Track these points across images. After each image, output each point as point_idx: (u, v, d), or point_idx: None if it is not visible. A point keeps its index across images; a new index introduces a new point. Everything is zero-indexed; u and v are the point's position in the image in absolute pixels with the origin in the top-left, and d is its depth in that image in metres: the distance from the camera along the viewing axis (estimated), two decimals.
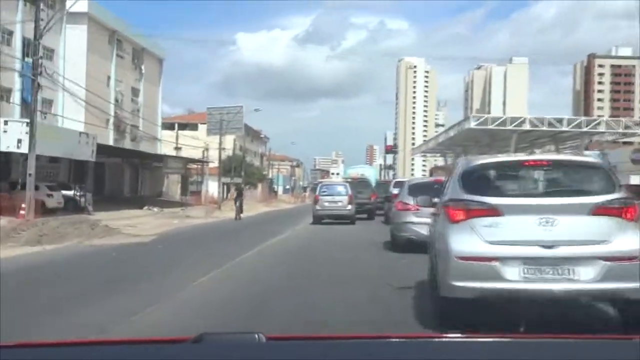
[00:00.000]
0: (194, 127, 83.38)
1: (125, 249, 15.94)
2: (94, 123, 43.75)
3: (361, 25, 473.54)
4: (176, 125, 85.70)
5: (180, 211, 41.78)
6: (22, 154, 27.39)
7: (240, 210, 33.44)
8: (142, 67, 56.40)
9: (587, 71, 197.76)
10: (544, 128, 32.74)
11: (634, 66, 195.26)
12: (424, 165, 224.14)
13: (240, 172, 71.04)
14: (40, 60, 21.66)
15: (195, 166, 62.79)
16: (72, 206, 34.22)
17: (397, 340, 1.85)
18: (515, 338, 2.01)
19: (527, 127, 32.79)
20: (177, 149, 69.41)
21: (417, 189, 15.69)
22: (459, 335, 1.95)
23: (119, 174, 52.94)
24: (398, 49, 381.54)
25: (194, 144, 65.83)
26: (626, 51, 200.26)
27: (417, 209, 15.03)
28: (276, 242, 18.70)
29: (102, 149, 40.89)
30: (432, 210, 8.17)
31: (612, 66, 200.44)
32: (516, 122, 33.26)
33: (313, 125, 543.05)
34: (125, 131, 52.24)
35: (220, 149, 57.88)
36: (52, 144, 26.81)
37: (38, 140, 22.98)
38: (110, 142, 48.47)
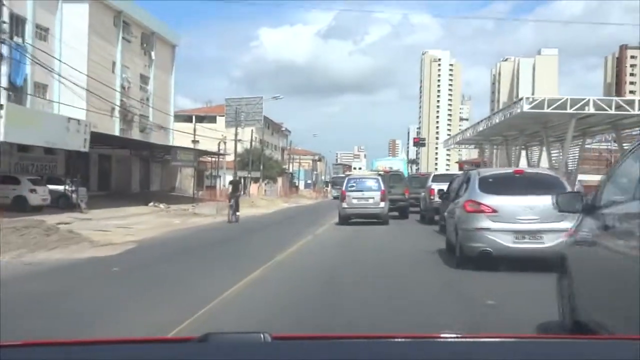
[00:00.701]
0: (212, 119, 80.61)
1: (53, 272, 10.85)
2: (97, 111, 39.79)
3: (384, 20, 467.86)
4: (193, 118, 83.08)
5: (190, 208, 37.74)
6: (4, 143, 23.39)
7: (236, 208, 26.83)
8: (152, 53, 52.32)
9: (619, 62, 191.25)
10: (612, 111, 27.78)
11: None
12: (447, 160, 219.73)
13: (259, 166, 66.78)
14: (4, 25, 17.37)
15: (210, 159, 58.66)
16: (63, 203, 30.20)
17: (403, 339, 1.86)
18: (518, 338, 1.96)
19: (590, 109, 27.90)
20: (195, 141, 65.98)
21: (493, 184, 11.78)
22: (462, 335, 1.94)
23: (127, 168, 48.95)
24: (421, 43, 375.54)
25: (211, 136, 62.72)
26: None
27: (494, 212, 11.06)
28: (285, 258, 12.88)
29: (102, 139, 36.89)
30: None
31: None
32: (578, 105, 28.32)
33: (335, 120, 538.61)
34: (133, 121, 48.16)
35: (236, 140, 53.76)
36: (27, 130, 22.54)
37: (7, 125, 18.71)
38: (116, 133, 44.52)
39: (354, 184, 23.60)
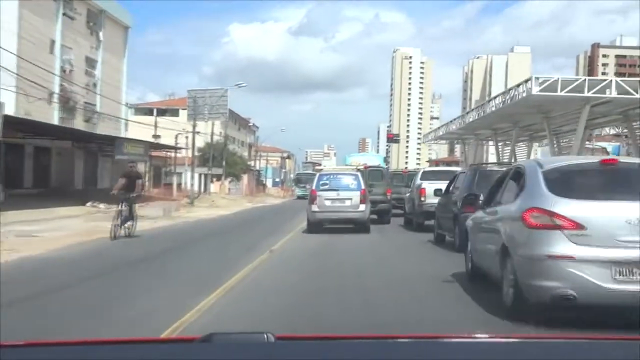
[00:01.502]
0: (174, 112, 75.45)
1: None
2: (30, 95, 34.24)
3: (355, 18, 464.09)
4: (155, 111, 77.98)
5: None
6: None
7: (129, 215, 16.89)
8: (101, 34, 46.69)
9: (591, 61, 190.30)
10: (638, 95, 23.15)
11: (639, 56, 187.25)
12: (418, 157, 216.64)
13: (221, 162, 61.50)
14: None
15: (166, 154, 53.28)
16: None
17: (406, 340, 1.87)
18: (521, 338, 1.99)
19: (612, 93, 23.26)
20: (156, 136, 60.78)
21: (571, 182, 7.07)
22: (465, 335, 1.92)
23: (69, 162, 43.36)
24: (393, 42, 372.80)
25: (174, 129, 57.76)
26: (631, 41, 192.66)
27: (580, 228, 6.36)
28: (197, 321, 6.47)
29: (32, 128, 31.38)
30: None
31: (617, 56, 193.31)
32: (598, 87, 23.64)
33: (306, 118, 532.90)
34: (75, 109, 42.53)
35: (194, 132, 48.50)
36: None
37: None
38: (55, 121, 38.95)
39: (327, 182, 18.64)
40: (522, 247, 6.93)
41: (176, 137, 56.35)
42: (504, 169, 15.09)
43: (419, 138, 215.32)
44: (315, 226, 18.46)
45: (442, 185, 17.64)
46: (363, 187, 18.52)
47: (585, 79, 24.01)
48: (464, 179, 15.18)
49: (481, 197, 9.92)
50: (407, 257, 13.28)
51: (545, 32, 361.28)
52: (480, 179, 14.36)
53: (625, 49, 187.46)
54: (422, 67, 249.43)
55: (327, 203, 18.29)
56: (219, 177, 63.43)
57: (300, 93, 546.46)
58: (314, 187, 18.61)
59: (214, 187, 65.11)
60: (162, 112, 78.04)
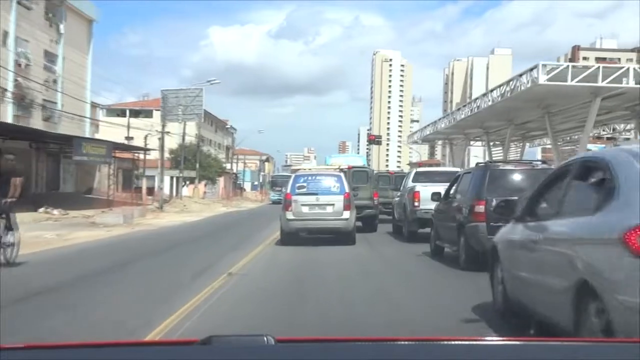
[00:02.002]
0: (148, 113, 72.33)
1: None
2: None
3: (336, 21, 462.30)
4: (127, 112, 75.08)
5: (95, 215, 29.24)
6: None
7: (8, 226, 11.20)
8: (61, 27, 43.31)
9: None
10: None
11: (619, 59, 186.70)
12: (399, 159, 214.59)
13: (195, 164, 58.26)
14: None
15: (135, 156, 50.05)
16: None
17: (406, 342, 1.87)
18: (520, 341, 1.97)
19: (630, 82, 20.50)
20: (129, 138, 57.68)
21: None
22: (466, 338, 1.91)
23: (27, 164, 39.81)
24: (373, 45, 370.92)
25: (146, 132, 54.71)
26: (611, 43, 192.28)
27: None
28: None
29: None
30: None
31: (597, 59, 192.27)
32: (614, 76, 20.86)
33: (286, 121, 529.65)
34: (33, 107, 39.16)
35: (164, 132, 45.40)
36: None
37: None
38: (9, 119, 35.65)
39: (305, 184, 15.62)
40: (625, 288, 4.06)
41: (145, 137, 53.05)
42: (520, 168, 12.37)
43: (399, 140, 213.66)
44: (290, 237, 15.48)
45: (440, 188, 14.79)
46: (347, 190, 15.58)
47: (599, 67, 21.28)
48: (470, 181, 12.32)
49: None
50: (407, 281, 10.34)
51: (525, 34, 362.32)
52: (493, 180, 11.54)
53: (605, 52, 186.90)
54: (402, 70, 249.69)
55: (305, 209, 15.33)
56: (193, 181, 60.19)
57: (280, 96, 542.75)
58: (288, 191, 15.61)
59: (188, 190, 61.86)
60: (135, 114, 75.06)
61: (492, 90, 28.15)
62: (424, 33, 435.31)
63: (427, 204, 15.80)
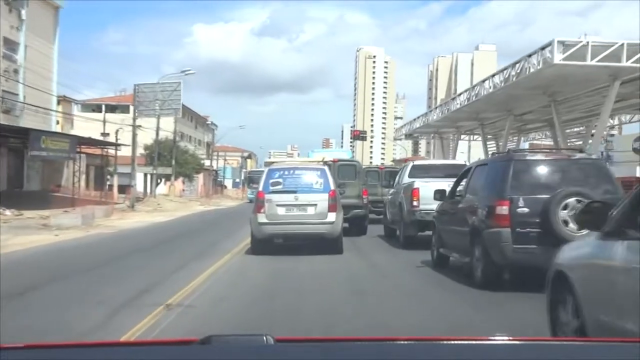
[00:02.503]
0: (125, 109, 70.79)
1: None
2: None
3: (320, 19, 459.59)
4: (103, 107, 72.53)
5: (50, 217, 26.34)
6: None
7: None
8: (23, 12, 40.19)
9: None
10: None
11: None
12: (382, 155, 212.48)
13: (170, 161, 55.30)
14: None
15: (106, 152, 47.08)
16: None
17: (406, 342, 1.86)
18: (520, 341, 1.93)
19: None
20: (105, 134, 54.96)
21: None
22: (465, 338, 1.87)
23: None
24: (357, 43, 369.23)
25: (123, 127, 52.09)
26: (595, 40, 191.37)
27: None
28: None
29: None
30: None
31: None
32: (638, 56, 18.22)
33: (269, 119, 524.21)
34: None
35: (134, 126, 42.50)
36: None
37: None
38: None
39: (281, 180, 12.85)
40: None
41: (117, 132, 50.16)
42: (553, 158, 9.76)
43: (383, 137, 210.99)
44: (262, 245, 12.74)
45: (442, 184, 12.19)
46: (332, 187, 12.85)
47: (622, 44, 18.58)
48: (487, 176, 9.70)
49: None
50: (413, 305, 7.69)
51: (508, 33, 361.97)
52: (518, 174, 8.94)
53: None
54: (385, 67, 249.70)
55: (281, 211, 12.60)
56: (168, 178, 57.26)
57: (264, 94, 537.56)
58: (260, 188, 12.85)
59: (166, 188, 58.81)
60: (112, 109, 72.33)
61: (494, 75, 25.51)
62: (408, 31, 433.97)
63: (427, 204, 13.20)
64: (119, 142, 48.92)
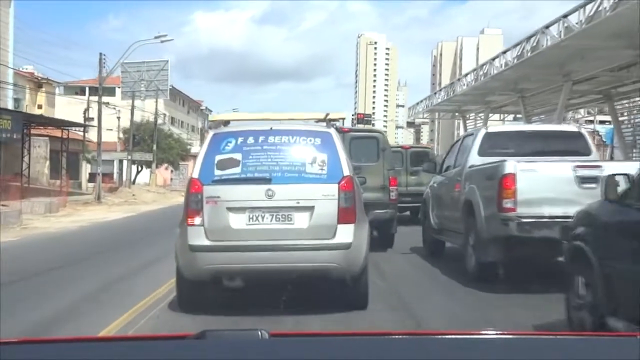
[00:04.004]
0: (110, 91, 66.96)
1: None
2: None
3: (320, 6, 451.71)
4: (87, 89, 67.26)
5: None
6: None
7: None
8: None
9: None
10: None
11: None
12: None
13: (151, 146, 48.66)
14: None
15: (61, 134, 40.58)
16: None
17: (401, 337, 1.86)
18: (517, 335, 1.93)
19: None
20: (89, 119, 48.72)
21: None
22: (462, 332, 1.89)
23: None
24: (358, 31, 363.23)
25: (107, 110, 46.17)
26: None
27: None
28: None
29: None
30: None
31: None
32: None
33: (270, 108, 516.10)
34: None
35: (100, 103, 35.99)
36: None
37: None
38: None
39: (239, 157, 6.12)
40: None
41: (85, 112, 43.68)
42: None
43: (385, 124, 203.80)
44: (198, 292, 6.13)
45: (565, 168, 5.52)
46: (346, 171, 6.14)
47: None
48: None
49: None
50: None
51: (511, 20, 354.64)
52: None
53: None
54: (387, 53, 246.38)
55: (237, 221, 5.84)
56: (150, 165, 50.58)
57: (265, 82, 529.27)
58: (196, 174, 6.12)
59: (152, 177, 51.94)
60: (96, 91, 66.67)
61: (548, 26, 18.63)
62: (410, 19, 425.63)
63: (534, 205, 6.59)
64: (90, 124, 42.61)
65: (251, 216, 6.03)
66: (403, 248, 11.47)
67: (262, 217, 6.03)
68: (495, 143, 8.63)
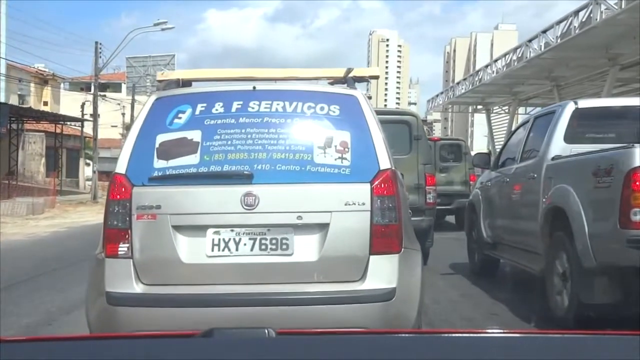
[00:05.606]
0: (117, 87, 65.39)
1: None
2: None
3: (333, 4, 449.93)
4: (93, 85, 65.47)
5: None
6: None
7: None
8: None
9: None
10: None
11: None
12: None
13: None
14: None
15: (54, 128, 38.78)
16: None
17: (406, 335, 1.88)
18: (521, 333, 1.91)
19: None
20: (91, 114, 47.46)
21: None
22: (467, 330, 1.84)
23: None
24: (371, 28, 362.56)
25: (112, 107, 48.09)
26: None
27: None
28: None
29: None
30: None
31: None
32: None
33: None
34: None
35: (96, 96, 33.90)
36: None
37: None
38: None
39: (197, 136, 3.67)
40: None
41: (82, 105, 41.71)
42: None
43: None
44: None
45: None
46: (386, 162, 3.63)
47: None
48: None
49: None
50: None
51: (526, 16, 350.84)
52: None
53: None
54: (399, 51, 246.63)
55: (192, 253, 3.46)
56: None
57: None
58: (121, 170, 3.57)
59: None
60: (102, 88, 66.06)
61: (577, 12, 16.10)
62: (422, 16, 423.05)
63: None
64: (87, 119, 40.65)
65: (217, 241, 3.43)
66: (440, 265, 8.87)
67: (237, 244, 3.42)
68: (590, 124, 5.97)
